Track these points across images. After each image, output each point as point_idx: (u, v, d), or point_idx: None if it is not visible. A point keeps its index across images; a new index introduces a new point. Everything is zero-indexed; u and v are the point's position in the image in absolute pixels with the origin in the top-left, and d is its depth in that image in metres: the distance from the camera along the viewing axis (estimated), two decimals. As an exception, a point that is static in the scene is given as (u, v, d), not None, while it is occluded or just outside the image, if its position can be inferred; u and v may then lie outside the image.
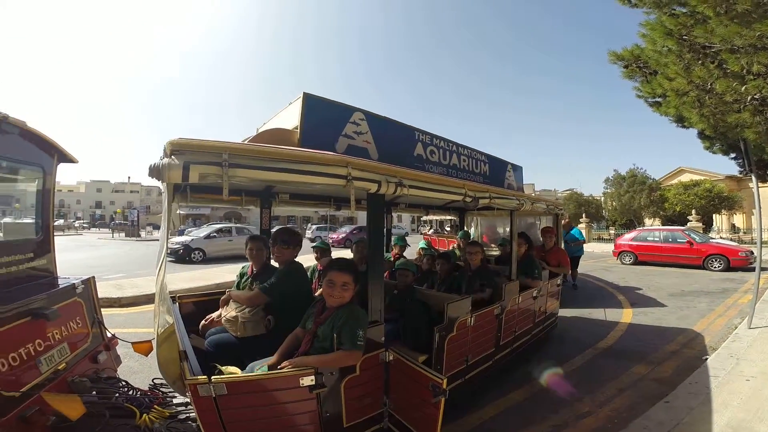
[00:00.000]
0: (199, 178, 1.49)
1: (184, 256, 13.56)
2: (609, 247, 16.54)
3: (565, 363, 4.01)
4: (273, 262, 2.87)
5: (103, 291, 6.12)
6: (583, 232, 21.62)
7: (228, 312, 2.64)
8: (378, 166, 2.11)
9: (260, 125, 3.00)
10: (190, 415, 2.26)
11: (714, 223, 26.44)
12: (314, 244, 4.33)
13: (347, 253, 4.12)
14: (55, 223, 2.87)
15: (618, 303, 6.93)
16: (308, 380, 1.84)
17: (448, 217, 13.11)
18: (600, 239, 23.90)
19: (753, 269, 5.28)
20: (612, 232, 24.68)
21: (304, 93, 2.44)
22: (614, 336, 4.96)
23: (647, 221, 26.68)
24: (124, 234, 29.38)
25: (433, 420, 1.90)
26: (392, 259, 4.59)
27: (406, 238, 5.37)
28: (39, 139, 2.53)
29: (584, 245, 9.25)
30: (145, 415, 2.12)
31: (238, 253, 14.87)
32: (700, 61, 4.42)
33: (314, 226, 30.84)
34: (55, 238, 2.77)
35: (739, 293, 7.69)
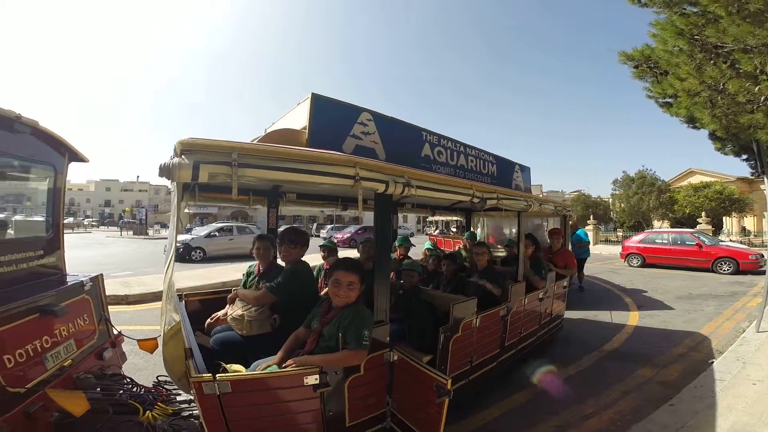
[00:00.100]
0: (209, 178, 1.51)
1: (184, 254, 13.42)
2: (616, 250, 16.38)
3: (570, 365, 3.99)
4: (279, 261, 2.89)
5: (111, 288, 6.19)
6: (591, 234, 21.47)
7: (234, 310, 2.66)
8: (386, 166, 2.11)
9: (268, 125, 3.03)
10: (194, 412, 2.28)
11: (724, 226, 26.02)
12: (322, 243, 4.35)
13: (352, 253, 4.13)
14: (65, 221, 2.91)
15: (625, 305, 6.86)
16: (312, 379, 1.85)
17: (454, 218, 13.08)
18: (607, 241, 23.64)
19: (763, 272, 5.20)
20: (620, 234, 24.40)
21: (313, 93, 2.45)
22: (620, 338, 4.92)
23: (656, 223, 26.33)
24: (132, 232, 29.71)
25: (437, 420, 1.90)
26: (397, 259, 4.59)
27: (411, 238, 5.34)
28: (51, 138, 2.57)
29: (591, 247, 9.17)
30: (148, 412, 2.13)
31: (239, 252, 14.93)
32: (712, 61, 4.36)
33: (329, 226, 30.90)
34: (64, 235, 2.81)
35: (748, 296, 7.58)
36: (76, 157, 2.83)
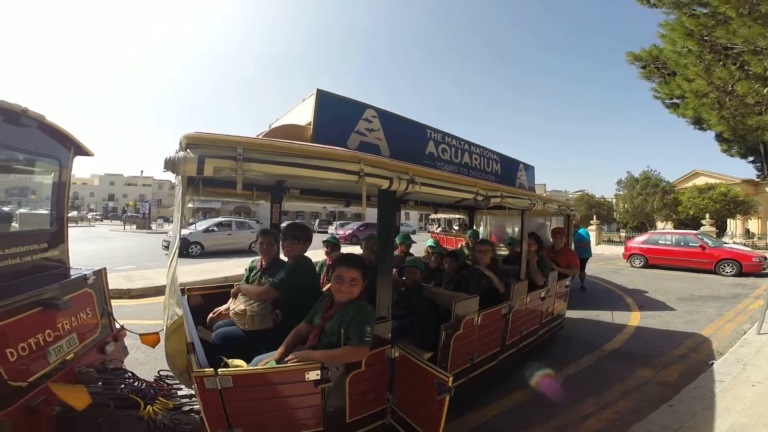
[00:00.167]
0: (214, 172, 1.51)
1: (181, 249, 13.05)
2: (619, 250, 16.34)
3: (570, 364, 4.00)
4: (282, 257, 2.89)
5: (114, 282, 6.15)
6: (593, 234, 21.38)
7: (236, 305, 2.66)
8: (390, 162, 2.11)
9: (273, 121, 3.02)
10: (194, 407, 2.29)
11: (728, 228, 25.84)
12: (324, 238, 4.35)
13: (354, 250, 4.13)
14: (69, 215, 2.90)
15: (626, 306, 6.86)
16: (314, 375, 1.85)
17: (457, 216, 13.04)
18: (610, 241, 23.56)
19: (766, 275, 5.18)
20: (623, 234, 24.28)
21: (318, 89, 2.44)
22: (621, 339, 4.93)
23: (659, 224, 26.17)
24: (135, 226, 29.87)
25: (437, 417, 1.90)
26: (398, 256, 4.58)
27: (413, 236, 5.32)
28: (57, 132, 2.57)
29: (594, 247, 9.15)
30: (149, 406, 2.14)
31: (238, 247, 14.85)
32: (721, 63, 4.32)
33: (337, 223, 30.92)
34: (68, 229, 2.81)
35: (750, 299, 7.57)
36: (82, 151, 2.83)
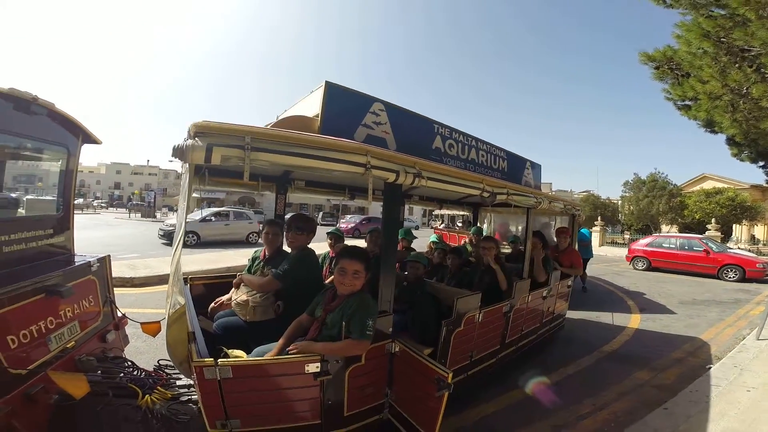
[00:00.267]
0: (221, 161, 1.50)
1: None
2: (622, 252, 16.24)
3: (569, 364, 4.00)
4: (285, 247, 2.89)
5: (117, 270, 6.15)
6: (597, 235, 21.26)
7: (239, 296, 2.66)
8: (397, 156, 2.09)
9: (281, 112, 3.01)
10: (192, 397, 2.30)
11: (733, 233, 25.62)
12: (329, 230, 4.36)
13: (357, 243, 4.13)
14: (75, 202, 2.90)
15: (627, 308, 6.84)
16: (313, 367, 1.86)
17: (460, 213, 13.00)
18: (613, 243, 23.43)
19: (768, 281, 5.15)
20: (627, 236, 24.13)
21: (326, 82, 2.43)
22: (620, 340, 4.92)
23: (664, 228, 25.96)
24: (140, 214, 30.00)
25: (435, 413, 1.91)
26: (399, 251, 4.58)
27: (416, 231, 5.31)
28: (66, 120, 2.56)
29: (597, 248, 9.11)
30: (147, 395, 2.14)
31: (235, 238, 14.61)
32: (737, 65, 4.24)
33: (348, 216, 30.71)
34: (74, 216, 2.81)
35: (751, 304, 7.53)
36: (90, 139, 2.83)
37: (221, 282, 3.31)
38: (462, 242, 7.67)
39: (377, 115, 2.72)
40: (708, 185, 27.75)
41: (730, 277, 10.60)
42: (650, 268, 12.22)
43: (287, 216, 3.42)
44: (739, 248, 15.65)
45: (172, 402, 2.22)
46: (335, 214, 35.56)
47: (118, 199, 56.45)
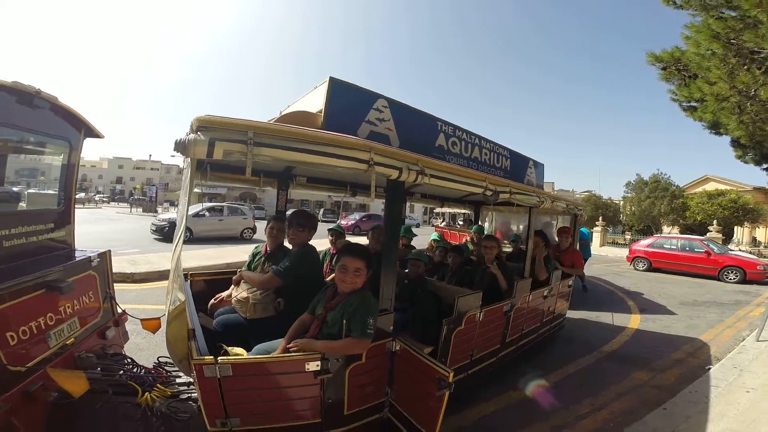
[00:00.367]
0: (224, 155, 1.48)
1: (170, 234, 12.31)
2: (623, 252, 16.23)
3: (569, 364, 4.00)
4: (287, 244, 2.87)
5: (117, 266, 6.11)
6: (598, 235, 21.22)
7: (239, 292, 2.64)
8: (400, 152, 2.07)
9: (284, 108, 2.98)
10: (192, 395, 2.28)
11: (734, 235, 25.58)
12: (330, 227, 4.34)
13: (358, 240, 4.11)
14: (77, 197, 2.88)
15: (627, 308, 6.84)
16: (314, 365, 1.85)
17: (461, 211, 12.97)
18: (614, 243, 23.40)
19: (769, 283, 5.13)
20: (628, 237, 24.10)
21: (330, 77, 2.40)
22: (620, 340, 4.92)
23: (665, 229, 25.93)
24: (141, 209, 29.94)
25: (435, 413, 1.90)
26: (400, 248, 4.56)
27: (417, 229, 5.30)
28: (68, 114, 2.54)
29: (598, 249, 9.09)
30: (147, 393, 2.11)
31: (229, 234, 14.34)
32: (745, 67, 4.20)
33: (356, 214, 30.54)
34: (75, 210, 2.79)
35: (751, 306, 7.54)
36: (92, 133, 2.80)
37: (222, 278, 3.28)
38: (463, 240, 7.66)
39: (381, 111, 2.70)
40: (710, 187, 27.68)
41: (730, 279, 10.61)
42: (651, 269, 12.21)
43: (288, 212, 3.40)
44: (740, 250, 15.64)
45: (172, 400, 2.20)
46: (336, 211, 35.57)
47: (120, 194, 56.53)
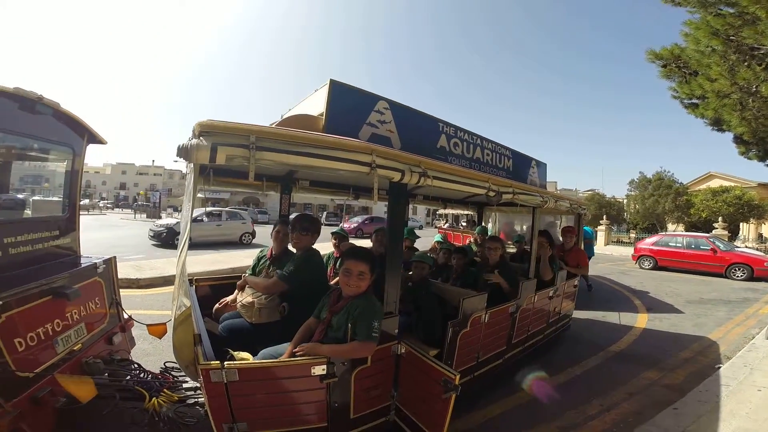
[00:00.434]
0: (226, 160, 1.48)
1: (167, 239, 12.49)
2: (628, 251, 16.13)
3: (576, 365, 3.97)
4: (290, 247, 2.87)
5: (122, 272, 5.99)
6: (602, 234, 21.11)
7: (244, 297, 2.64)
8: (402, 155, 2.07)
9: (285, 111, 3.00)
10: (199, 400, 2.28)
11: (740, 232, 25.37)
12: (333, 230, 4.34)
13: (361, 243, 4.10)
14: (81, 203, 2.90)
15: (633, 307, 6.78)
16: (320, 369, 1.84)
17: (464, 212, 12.94)
18: (619, 242, 23.27)
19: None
20: (632, 235, 23.95)
21: (331, 80, 2.41)
22: (627, 340, 4.88)
23: (670, 226, 25.76)
24: (145, 215, 30.07)
25: (442, 415, 1.89)
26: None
27: (420, 231, 5.29)
28: (71, 120, 2.55)
29: (602, 248, 9.04)
30: (154, 398, 2.12)
31: (227, 239, 14.21)
32: (746, 63, 4.18)
33: (359, 217, 30.42)
34: (80, 217, 2.80)
35: (760, 303, 7.46)
36: (95, 139, 2.82)
37: (227, 283, 3.29)
38: (467, 242, 7.63)
39: (382, 113, 2.70)
40: (715, 183, 27.50)
41: (737, 276, 10.50)
42: (656, 267, 12.13)
43: (291, 216, 3.41)
44: (746, 247, 15.50)
45: (179, 405, 2.20)
46: (339, 214, 35.60)
47: (124, 200, 56.88)
